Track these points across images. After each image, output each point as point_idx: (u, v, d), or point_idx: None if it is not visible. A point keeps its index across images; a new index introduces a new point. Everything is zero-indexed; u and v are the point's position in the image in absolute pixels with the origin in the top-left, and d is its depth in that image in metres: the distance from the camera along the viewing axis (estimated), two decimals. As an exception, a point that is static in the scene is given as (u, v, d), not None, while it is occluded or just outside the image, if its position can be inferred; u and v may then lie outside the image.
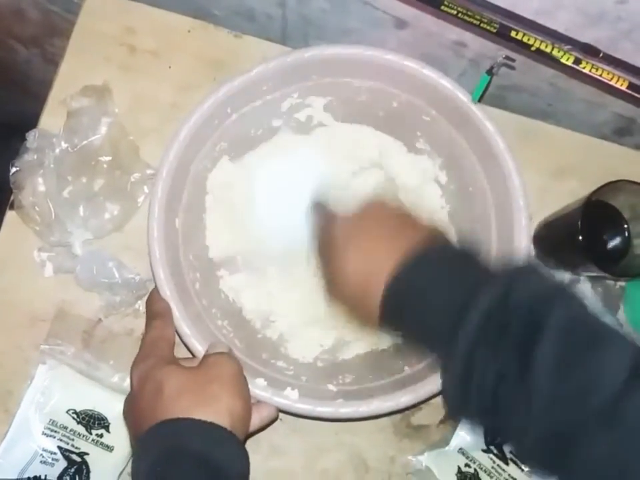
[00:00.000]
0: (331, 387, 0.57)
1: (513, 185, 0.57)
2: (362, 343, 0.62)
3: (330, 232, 0.51)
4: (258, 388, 0.53)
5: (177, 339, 0.55)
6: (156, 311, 0.54)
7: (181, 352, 0.56)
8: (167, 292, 0.54)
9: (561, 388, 0.38)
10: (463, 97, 0.58)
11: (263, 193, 0.64)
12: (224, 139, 0.61)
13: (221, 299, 0.62)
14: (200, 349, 0.53)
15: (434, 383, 0.53)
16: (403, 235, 0.47)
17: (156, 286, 0.55)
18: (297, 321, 0.62)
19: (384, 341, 0.62)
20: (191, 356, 0.55)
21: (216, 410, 0.46)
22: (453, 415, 0.46)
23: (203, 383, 0.47)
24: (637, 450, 0.37)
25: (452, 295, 0.44)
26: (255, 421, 0.52)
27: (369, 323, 0.50)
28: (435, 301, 0.44)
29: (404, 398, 0.54)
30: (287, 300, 0.63)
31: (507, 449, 0.61)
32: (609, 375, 0.38)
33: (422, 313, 0.45)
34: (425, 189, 0.66)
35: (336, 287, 0.51)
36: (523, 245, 0.57)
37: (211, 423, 0.45)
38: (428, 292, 0.45)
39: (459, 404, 0.44)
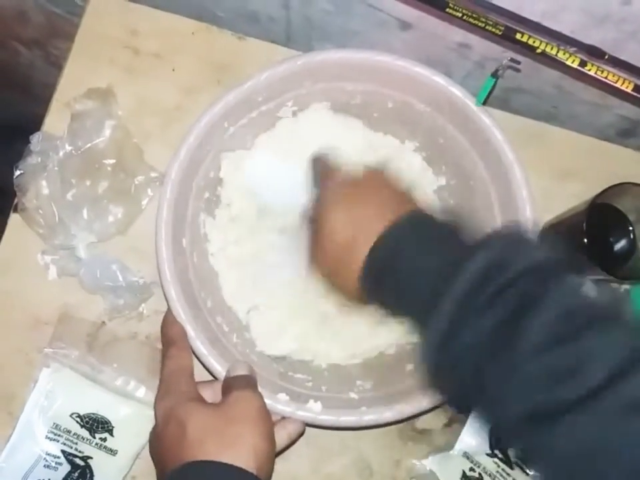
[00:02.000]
0: (352, 394, 0.57)
1: (514, 175, 0.57)
2: (371, 349, 0.62)
3: (324, 190, 0.52)
4: (280, 403, 0.53)
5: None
6: (170, 336, 0.54)
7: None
8: (181, 314, 0.53)
9: (549, 363, 0.37)
10: (457, 91, 0.58)
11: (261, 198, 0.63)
12: (223, 150, 0.60)
13: (232, 316, 0.62)
14: (219, 369, 0.53)
15: None
16: (395, 204, 0.47)
17: (169, 309, 0.54)
18: (306, 332, 0.62)
19: (391, 345, 0.62)
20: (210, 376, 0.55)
21: (240, 451, 0.45)
22: (429, 380, 0.43)
23: (226, 423, 0.46)
24: (620, 434, 0.35)
25: (442, 256, 0.43)
26: (283, 438, 0.51)
27: (349, 290, 0.49)
28: (422, 262, 0.44)
29: (425, 401, 0.53)
30: (295, 316, 0.62)
31: (511, 453, 0.61)
32: (603, 355, 0.36)
33: (407, 274, 0.44)
34: (424, 184, 0.66)
35: (321, 246, 0.50)
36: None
37: (234, 467, 0.44)
38: (415, 253, 0.44)
39: (436, 364, 0.42)
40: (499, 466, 0.61)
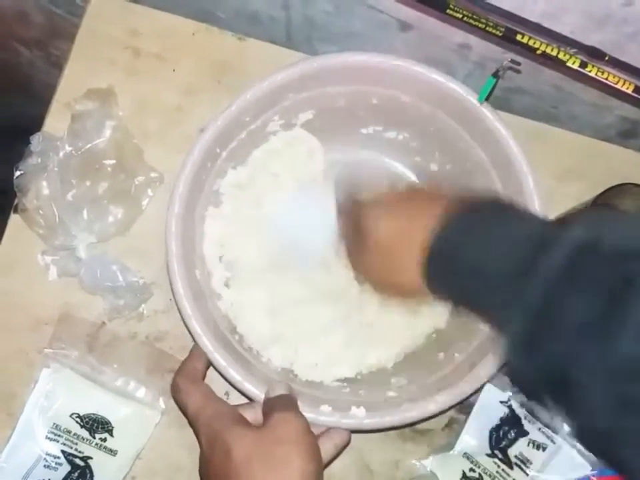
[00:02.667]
0: (391, 393, 0.56)
1: (514, 154, 0.57)
2: (410, 344, 0.62)
3: (365, 198, 0.51)
4: (324, 415, 0.52)
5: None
6: (192, 371, 0.53)
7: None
8: (209, 345, 0.53)
9: None
10: (438, 77, 0.57)
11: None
12: (219, 176, 0.61)
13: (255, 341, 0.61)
14: (257, 392, 0.52)
15: (492, 361, 0.53)
16: (445, 199, 0.45)
17: (195, 347, 0.55)
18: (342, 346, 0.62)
19: (419, 337, 0.62)
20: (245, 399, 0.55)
21: (286, 475, 0.45)
22: (516, 368, 0.39)
23: (271, 446, 0.46)
24: None
25: (523, 229, 0.40)
26: (329, 449, 0.51)
27: (404, 286, 0.47)
28: (499, 237, 0.40)
29: (467, 386, 0.53)
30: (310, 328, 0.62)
31: (512, 453, 0.61)
32: None
33: (481, 261, 0.41)
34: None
35: (368, 249, 0.48)
36: None
37: None
38: (487, 238, 0.41)
39: (529, 346, 0.38)
40: (498, 466, 0.61)
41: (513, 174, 0.57)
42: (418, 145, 0.65)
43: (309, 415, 0.51)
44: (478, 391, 0.55)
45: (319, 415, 0.52)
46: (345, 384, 0.59)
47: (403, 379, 0.58)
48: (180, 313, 0.54)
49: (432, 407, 0.53)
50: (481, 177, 0.61)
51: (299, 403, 0.51)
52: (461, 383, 0.53)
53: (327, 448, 0.50)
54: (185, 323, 0.54)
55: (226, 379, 0.53)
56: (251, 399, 0.53)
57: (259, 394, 0.52)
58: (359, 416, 0.53)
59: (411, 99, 0.60)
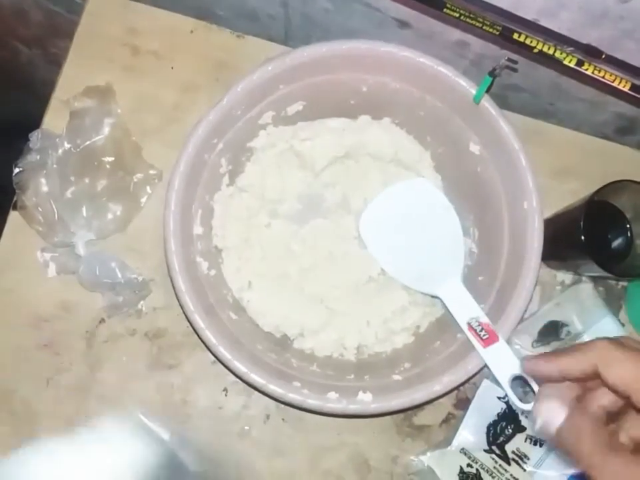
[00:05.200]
0: (396, 377, 0.57)
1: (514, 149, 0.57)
2: (405, 332, 0.63)
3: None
4: (331, 402, 0.53)
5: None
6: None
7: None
8: (226, 353, 0.53)
9: None
10: (426, 60, 0.58)
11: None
12: (215, 166, 0.61)
13: (251, 324, 0.62)
14: (263, 382, 0.53)
15: None
16: None
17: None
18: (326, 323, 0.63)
19: (424, 321, 0.63)
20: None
21: None
22: None
23: None
24: None
25: None
26: None
27: None
28: None
29: (471, 365, 0.54)
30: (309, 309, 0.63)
31: (509, 449, 0.61)
32: None
33: None
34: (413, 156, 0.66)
35: None
36: (535, 245, 0.57)
37: None
38: None
39: None
40: (496, 462, 0.61)
41: (505, 153, 0.58)
42: (408, 130, 0.65)
43: (315, 402, 0.52)
44: (482, 369, 0.55)
45: (326, 402, 0.53)
46: (349, 370, 0.59)
47: (406, 363, 0.58)
48: (182, 309, 0.54)
49: (437, 387, 0.53)
50: (470, 158, 0.61)
51: (305, 391, 0.52)
52: (464, 362, 0.54)
53: None
54: (187, 317, 0.54)
55: (231, 371, 0.54)
56: (257, 389, 0.54)
57: (264, 383, 0.52)
58: (365, 401, 0.53)
59: (401, 84, 0.60)
